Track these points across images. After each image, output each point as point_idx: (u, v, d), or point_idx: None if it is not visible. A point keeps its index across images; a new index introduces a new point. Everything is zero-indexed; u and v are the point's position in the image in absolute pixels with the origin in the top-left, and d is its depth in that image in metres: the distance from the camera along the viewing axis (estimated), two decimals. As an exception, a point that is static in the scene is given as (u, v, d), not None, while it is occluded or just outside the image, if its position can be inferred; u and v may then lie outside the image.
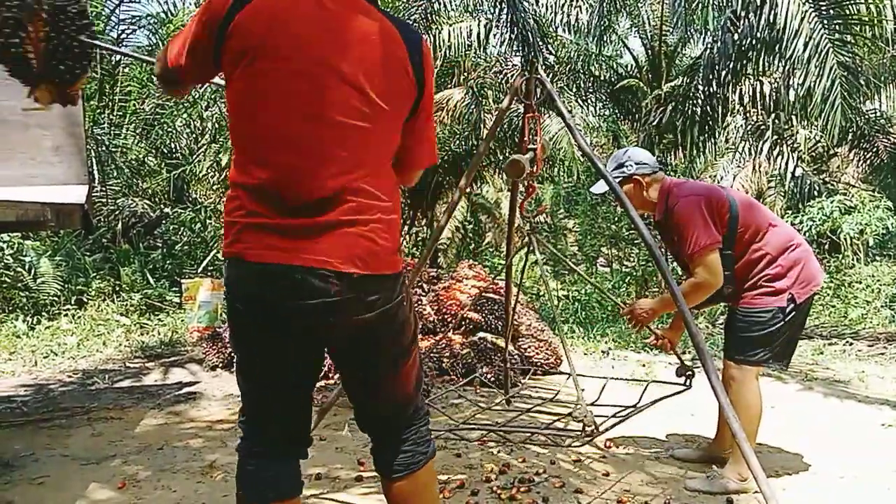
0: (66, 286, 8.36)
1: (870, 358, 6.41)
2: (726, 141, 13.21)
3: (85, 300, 8.37)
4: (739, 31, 8.41)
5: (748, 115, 11.27)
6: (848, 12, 7.71)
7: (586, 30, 11.29)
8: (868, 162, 11.75)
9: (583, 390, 2.77)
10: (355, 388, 1.75)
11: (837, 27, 7.55)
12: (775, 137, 11.12)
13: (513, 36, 9.42)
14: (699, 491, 2.84)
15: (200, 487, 2.88)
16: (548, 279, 3.29)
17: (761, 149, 11.41)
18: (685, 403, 3.37)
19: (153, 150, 12.18)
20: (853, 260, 11.10)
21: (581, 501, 2.76)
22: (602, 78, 11.86)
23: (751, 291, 2.83)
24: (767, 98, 10.01)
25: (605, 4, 10.60)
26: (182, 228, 11.00)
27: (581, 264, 13.10)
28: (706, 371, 2.35)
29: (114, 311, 8.04)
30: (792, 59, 7.74)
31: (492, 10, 10.07)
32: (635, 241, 11.40)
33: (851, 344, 7.10)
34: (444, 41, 10.29)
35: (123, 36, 12.68)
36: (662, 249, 3.33)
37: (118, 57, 12.47)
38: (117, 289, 8.80)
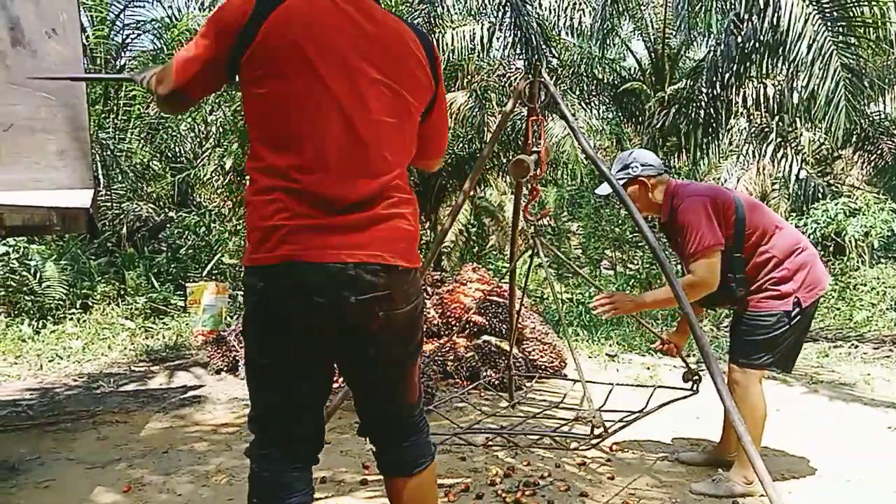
0: (72, 290, 8.37)
1: (875, 360, 6.39)
2: (730, 143, 13.21)
3: (90, 304, 8.38)
4: (743, 33, 8.42)
5: (752, 117, 11.27)
6: (852, 14, 7.71)
7: (589, 33, 11.30)
8: (872, 164, 11.74)
9: (603, 405, 2.77)
10: (366, 391, 1.76)
11: (841, 29, 7.55)
12: (779, 140, 11.11)
13: (516, 39, 9.44)
14: (705, 494, 2.84)
15: (205, 491, 2.88)
16: (553, 282, 3.29)
17: (765, 151, 11.40)
18: (690, 407, 3.36)
19: (158, 155, 12.22)
20: (858, 262, 11.06)
21: (586, 505, 2.76)
22: (605, 81, 11.88)
23: (756, 294, 2.82)
24: (771, 100, 10.01)
25: (607, 7, 10.61)
26: (186, 232, 11.02)
27: (585, 267, 13.09)
28: (711, 374, 2.35)
29: (119, 315, 8.05)
30: (795, 62, 7.75)
31: (495, 14, 10.09)
32: (639, 244, 11.39)
33: (857, 346, 7.07)
34: (447, 45, 10.31)
35: (128, 41, 12.74)
36: (667, 252, 3.34)
37: (122, 62, 12.53)
38: (122, 293, 8.82)
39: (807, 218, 10.41)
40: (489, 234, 17.98)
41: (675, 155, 10.69)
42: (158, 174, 12.31)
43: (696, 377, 3.08)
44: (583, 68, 11.77)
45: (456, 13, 10.95)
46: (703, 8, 10.06)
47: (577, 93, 11.60)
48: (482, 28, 10.36)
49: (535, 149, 2.90)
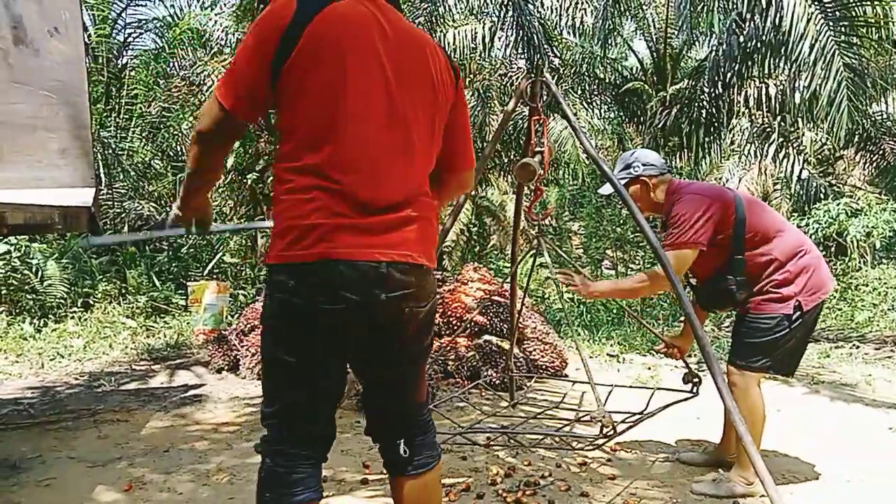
0: (73, 289, 8.38)
1: (877, 361, 6.38)
2: (732, 143, 13.18)
3: (91, 303, 8.40)
4: (745, 33, 8.41)
5: (754, 117, 11.26)
6: (854, 14, 7.70)
7: (591, 32, 11.29)
8: (874, 164, 11.72)
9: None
10: (381, 389, 1.78)
11: (843, 29, 7.54)
12: (781, 140, 11.10)
13: (518, 38, 9.43)
14: (705, 495, 2.83)
15: (206, 490, 2.88)
16: (555, 281, 3.28)
17: (767, 151, 11.39)
18: (691, 407, 3.36)
19: (159, 153, 12.23)
20: (860, 263, 11.06)
21: (587, 505, 2.75)
22: (607, 80, 11.87)
23: (757, 297, 2.80)
24: (773, 100, 9.99)
25: (609, 7, 10.60)
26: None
27: (586, 267, 13.08)
28: (712, 375, 2.35)
29: (120, 314, 8.06)
30: (798, 61, 7.73)
31: (497, 13, 10.08)
32: (641, 244, 11.39)
33: (858, 347, 7.06)
34: (448, 44, 10.30)
35: (130, 40, 12.76)
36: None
37: (124, 60, 12.55)
38: (123, 291, 8.83)
39: (808, 218, 10.40)
40: (490, 234, 17.96)
41: (677, 155, 10.69)
42: (160, 173, 12.32)
43: (696, 379, 3.08)
44: (584, 68, 11.77)
45: (457, 12, 10.94)
46: (706, 7, 10.05)
47: (579, 92, 11.59)
48: (484, 27, 10.35)
49: (538, 148, 2.89)
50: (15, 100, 2.82)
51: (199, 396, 4.65)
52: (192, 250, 10.73)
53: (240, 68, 1.54)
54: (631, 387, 4.17)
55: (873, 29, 7.83)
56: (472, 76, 12.21)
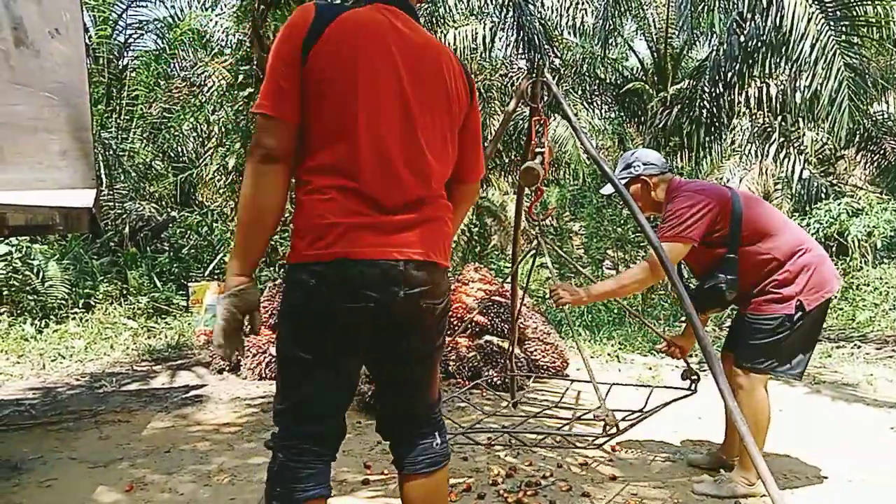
0: (74, 290, 8.39)
1: (878, 361, 6.37)
2: (732, 143, 13.18)
3: (92, 303, 8.41)
4: (746, 32, 8.40)
5: (754, 117, 11.25)
6: (855, 14, 7.70)
7: (592, 32, 11.29)
8: (875, 164, 11.72)
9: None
10: (396, 387, 1.80)
11: (844, 29, 7.54)
12: (782, 140, 11.10)
13: (518, 38, 9.43)
14: (707, 495, 2.83)
15: (207, 490, 2.88)
16: (556, 280, 3.27)
17: (768, 151, 11.39)
18: (693, 407, 3.36)
19: (160, 154, 12.24)
20: (861, 262, 11.05)
21: (588, 505, 2.75)
22: (608, 80, 11.87)
23: (759, 297, 2.77)
24: (774, 100, 9.99)
25: (610, 7, 10.60)
26: (189, 232, 11.03)
27: (587, 267, 13.07)
28: (714, 375, 2.34)
29: (121, 315, 8.07)
30: (798, 61, 7.74)
31: (497, 13, 10.08)
32: (642, 244, 11.38)
33: (859, 347, 7.06)
34: (449, 44, 10.31)
35: (130, 41, 12.77)
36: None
37: (125, 61, 12.56)
38: (124, 292, 8.84)
39: (809, 218, 10.40)
40: (491, 234, 17.96)
41: (678, 155, 10.68)
42: (161, 174, 12.33)
43: (695, 376, 3.07)
44: (585, 68, 11.77)
45: (458, 13, 10.94)
46: (706, 7, 10.05)
47: (580, 92, 11.60)
48: (484, 28, 10.35)
49: (538, 149, 2.89)
50: (16, 101, 2.82)
51: (201, 397, 4.65)
52: (193, 251, 10.74)
53: (272, 76, 1.56)
54: (630, 384, 4.17)
55: (874, 28, 7.83)
56: (473, 76, 12.20)
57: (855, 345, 7.16)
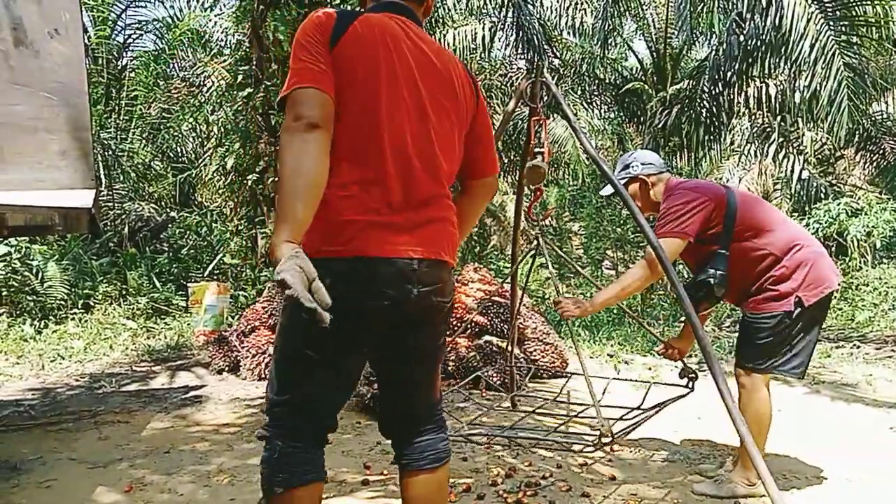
0: (73, 290, 8.39)
1: (877, 361, 6.38)
2: (732, 143, 13.18)
3: (92, 304, 8.40)
4: (745, 32, 8.41)
5: (754, 117, 11.26)
6: (854, 14, 7.70)
7: (591, 32, 11.29)
8: (875, 164, 11.72)
9: (600, 400, 2.76)
10: (401, 385, 1.81)
11: (844, 28, 7.55)
12: (781, 140, 11.10)
13: (518, 39, 9.43)
14: (707, 495, 2.83)
15: (206, 491, 2.88)
16: (556, 281, 3.28)
17: (767, 151, 11.40)
18: (692, 406, 3.36)
19: (159, 154, 12.25)
20: (860, 262, 11.05)
21: (588, 505, 2.75)
22: (607, 80, 11.88)
23: (757, 296, 2.77)
24: (773, 100, 9.99)
25: (609, 7, 10.60)
26: (188, 232, 11.04)
27: (586, 267, 13.08)
28: (713, 375, 2.34)
29: (120, 315, 8.07)
30: (798, 61, 7.74)
31: (496, 13, 10.08)
32: (641, 244, 11.39)
33: (859, 347, 7.07)
34: (448, 44, 10.31)
35: (130, 41, 12.77)
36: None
37: (124, 62, 12.56)
38: (124, 293, 8.84)
39: (809, 218, 10.41)
40: (490, 235, 17.96)
41: (677, 155, 10.69)
42: (160, 174, 12.33)
43: (693, 375, 3.07)
44: (584, 68, 11.77)
45: (457, 13, 10.94)
46: (706, 7, 10.05)
47: (579, 92, 11.60)
48: (484, 28, 10.35)
49: (538, 149, 2.89)
50: (15, 101, 2.82)
51: (200, 397, 4.65)
52: (192, 251, 10.74)
53: (304, 60, 1.54)
54: (627, 380, 4.18)
55: (873, 28, 7.83)
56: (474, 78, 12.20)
57: (854, 345, 7.16)
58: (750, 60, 8.71)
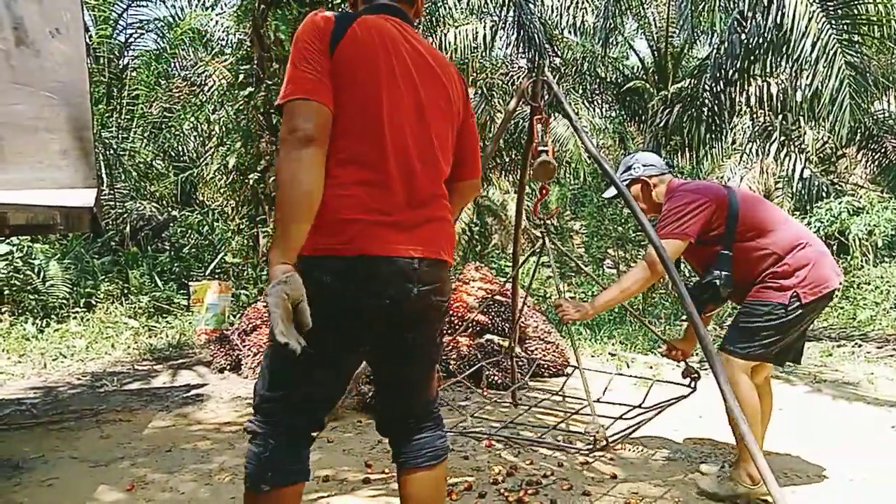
0: (75, 289, 8.40)
1: (879, 360, 6.37)
2: (733, 142, 13.16)
3: (93, 303, 8.41)
4: (746, 31, 8.39)
5: (755, 116, 11.24)
6: (856, 12, 7.69)
7: (592, 31, 11.27)
8: (876, 163, 11.70)
9: (601, 398, 2.75)
10: (398, 383, 1.82)
11: (845, 27, 7.53)
12: (783, 139, 11.08)
13: (519, 38, 9.42)
14: (707, 493, 2.83)
15: (208, 489, 2.89)
16: (557, 281, 3.28)
17: (769, 150, 11.38)
18: (693, 405, 3.36)
19: (161, 154, 12.25)
20: (862, 261, 11.04)
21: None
22: (608, 79, 11.86)
23: (757, 286, 2.78)
24: (775, 99, 9.98)
25: (611, 6, 10.59)
26: (190, 231, 11.04)
27: (588, 266, 13.07)
28: (715, 374, 2.34)
29: (122, 314, 8.08)
30: (799, 60, 7.73)
31: (497, 12, 10.07)
32: (642, 243, 11.38)
33: (860, 346, 7.06)
34: (450, 43, 10.30)
35: (131, 40, 12.77)
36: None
37: (125, 61, 12.57)
38: (125, 291, 8.85)
39: (810, 217, 10.40)
40: (492, 233, 17.96)
41: (679, 154, 10.67)
42: (161, 173, 12.34)
43: (695, 375, 3.07)
44: (586, 67, 11.75)
45: (458, 12, 10.93)
46: (707, 6, 10.04)
47: (581, 91, 11.59)
48: (485, 27, 10.34)
49: (540, 148, 2.89)
50: (16, 101, 2.82)
51: (202, 396, 4.65)
52: (194, 250, 10.75)
53: (302, 67, 1.55)
54: (631, 376, 4.18)
55: (875, 27, 7.81)
56: (475, 75, 12.21)
57: (856, 343, 7.16)
58: (752, 59, 8.70)
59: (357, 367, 1.78)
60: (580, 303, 2.97)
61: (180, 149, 12.62)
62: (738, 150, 14.56)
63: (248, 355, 5.21)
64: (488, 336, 5.30)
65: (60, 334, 7.07)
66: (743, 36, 8.47)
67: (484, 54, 11.40)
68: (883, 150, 11.40)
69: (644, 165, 3.01)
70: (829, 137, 12.26)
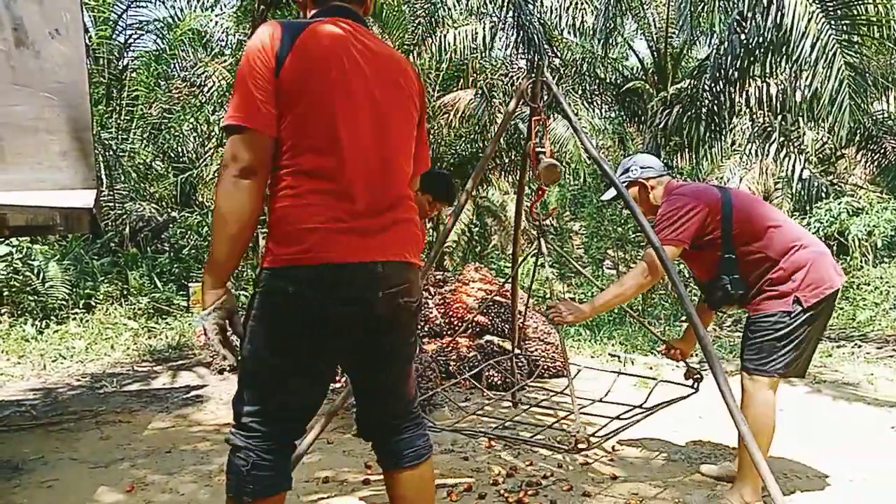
0: (75, 290, 8.40)
1: (878, 360, 6.37)
2: (733, 143, 13.16)
3: (93, 304, 8.41)
4: (746, 31, 8.39)
5: (755, 116, 11.23)
6: (855, 13, 7.68)
7: (592, 32, 11.27)
8: (876, 163, 11.69)
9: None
10: (375, 387, 1.82)
11: (845, 28, 7.53)
12: (782, 139, 11.07)
13: (518, 38, 9.42)
14: None
15: (207, 491, 2.88)
16: (553, 281, 3.27)
17: (768, 151, 11.36)
18: (693, 406, 3.35)
19: (160, 155, 12.25)
20: (861, 262, 11.04)
21: (589, 505, 2.75)
22: (608, 80, 11.85)
23: (757, 297, 2.75)
24: (774, 100, 9.97)
25: (610, 7, 10.59)
26: (189, 232, 11.04)
27: (587, 267, 13.07)
28: (714, 374, 2.33)
29: (122, 315, 8.07)
30: (799, 60, 7.72)
31: (497, 13, 10.07)
32: (642, 244, 11.38)
33: (860, 346, 7.06)
34: (449, 44, 10.30)
35: (131, 41, 12.76)
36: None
37: (125, 62, 12.56)
38: (125, 293, 8.84)
39: (810, 217, 10.40)
40: (491, 234, 17.97)
41: (678, 154, 10.67)
42: (161, 174, 12.33)
43: (698, 376, 3.06)
44: (585, 68, 11.75)
45: (457, 13, 10.92)
46: (706, 7, 10.04)
47: (580, 92, 11.57)
48: (484, 28, 10.34)
49: (539, 149, 2.88)
50: (16, 102, 2.82)
51: (201, 397, 4.65)
52: (193, 251, 10.74)
53: (245, 90, 1.56)
54: (634, 375, 4.18)
55: (875, 27, 7.81)
56: (475, 76, 12.21)
57: (855, 344, 7.16)
58: (751, 59, 8.70)
59: (332, 374, 1.78)
60: (576, 305, 2.94)
61: (180, 150, 12.60)
62: (737, 150, 14.56)
63: (248, 356, 5.21)
64: (488, 337, 5.30)
65: (60, 335, 7.06)
66: (742, 36, 8.46)
67: (483, 55, 11.40)
68: (882, 151, 11.38)
69: (641, 167, 3.00)
70: (828, 138, 12.25)
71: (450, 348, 5.06)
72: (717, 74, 8.99)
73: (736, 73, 8.87)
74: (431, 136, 11.81)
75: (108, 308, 8.27)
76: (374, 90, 1.67)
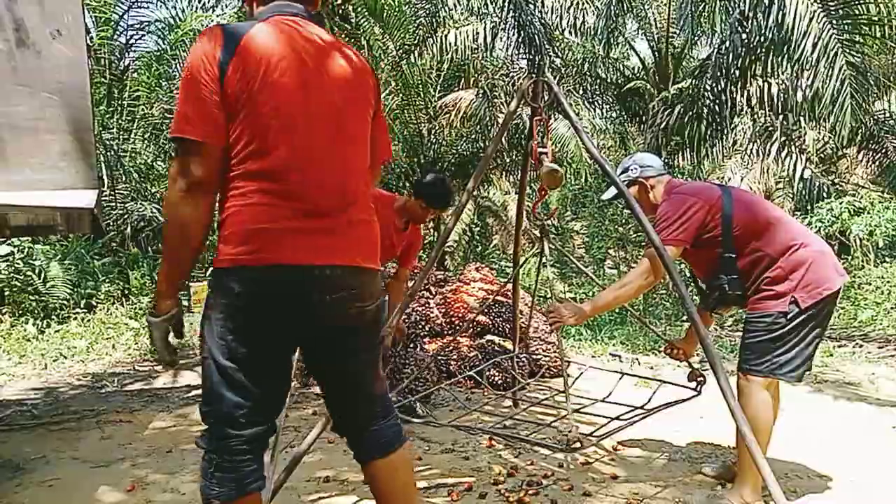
0: (76, 290, 8.40)
1: (880, 360, 6.37)
2: (734, 143, 13.14)
3: (94, 304, 8.41)
4: (747, 31, 8.38)
5: (756, 116, 11.22)
6: (857, 12, 7.68)
7: (593, 32, 11.26)
8: (877, 163, 11.68)
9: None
10: (338, 386, 1.84)
11: (846, 27, 7.52)
12: (783, 139, 11.06)
13: (519, 39, 9.40)
14: None
15: (209, 490, 2.88)
16: (554, 281, 3.27)
17: (769, 150, 11.35)
18: (693, 406, 3.35)
19: (162, 155, 12.24)
20: (863, 261, 11.03)
21: (590, 504, 2.75)
22: (609, 80, 11.84)
23: (754, 296, 2.73)
24: (775, 99, 9.95)
25: (611, 7, 10.58)
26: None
27: (589, 266, 13.07)
28: (715, 374, 2.33)
29: (123, 315, 8.08)
30: (800, 60, 7.71)
31: (497, 13, 10.06)
32: (643, 244, 11.36)
33: (861, 346, 7.06)
34: (450, 44, 10.30)
35: (132, 42, 12.77)
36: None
37: (126, 62, 12.57)
38: (126, 292, 8.85)
39: (811, 217, 10.37)
40: (492, 234, 17.96)
41: (679, 154, 10.66)
42: (162, 174, 12.32)
43: (701, 378, 3.06)
44: (586, 67, 11.74)
45: (458, 13, 10.92)
46: (707, 6, 10.03)
47: (581, 92, 11.57)
48: (485, 28, 10.34)
49: (541, 149, 2.88)
50: (17, 102, 2.83)
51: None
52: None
53: (192, 99, 1.55)
54: (637, 376, 4.18)
55: (876, 27, 7.81)
56: (475, 76, 12.20)
57: (857, 344, 7.15)
58: (752, 59, 8.69)
59: (288, 373, 1.77)
60: (577, 305, 2.93)
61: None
62: (738, 150, 14.54)
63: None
64: (489, 337, 5.30)
65: (61, 335, 7.07)
66: (744, 36, 8.46)
67: (484, 55, 11.39)
68: (884, 151, 11.37)
69: (641, 167, 2.99)
70: (829, 138, 12.23)
71: (451, 348, 5.06)
72: (719, 74, 8.99)
73: (737, 73, 8.86)
74: (432, 137, 11.81)
75: (109, 308, 8.28)
76: (324, 87, 1.65)
